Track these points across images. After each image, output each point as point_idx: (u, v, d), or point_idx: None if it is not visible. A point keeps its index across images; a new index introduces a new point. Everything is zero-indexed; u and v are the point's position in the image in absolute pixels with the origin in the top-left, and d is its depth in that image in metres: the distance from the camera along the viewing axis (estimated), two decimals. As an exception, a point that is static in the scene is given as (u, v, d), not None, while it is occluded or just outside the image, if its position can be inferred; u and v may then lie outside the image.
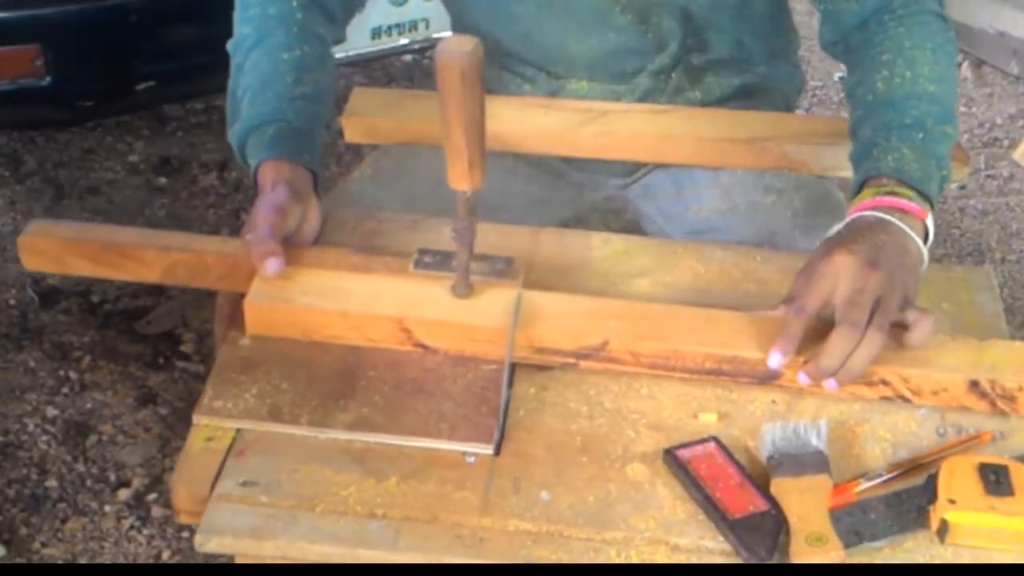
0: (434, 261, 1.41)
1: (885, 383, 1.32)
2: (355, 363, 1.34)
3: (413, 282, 1.39)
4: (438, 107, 1.24)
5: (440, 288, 1.38)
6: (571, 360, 1.34)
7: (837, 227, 1.41)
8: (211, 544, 1.14)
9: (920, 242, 1.38)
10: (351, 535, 1.14)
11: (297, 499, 1.17)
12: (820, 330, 1.30)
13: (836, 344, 1.28)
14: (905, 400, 1.33)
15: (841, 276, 1.31)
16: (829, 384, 1.30)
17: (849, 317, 1.28)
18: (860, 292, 1.29)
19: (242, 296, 1.38)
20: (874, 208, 1.39)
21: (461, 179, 1.29)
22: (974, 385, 1.31)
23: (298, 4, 1.65)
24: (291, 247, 1.42)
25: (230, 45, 1.66)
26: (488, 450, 1.24)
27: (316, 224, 1.49)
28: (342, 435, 1.25)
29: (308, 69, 1.60)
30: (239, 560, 1.19)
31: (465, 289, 1.37)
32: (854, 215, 1.41)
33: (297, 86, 1.58)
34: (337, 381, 1.31)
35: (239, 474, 1.20)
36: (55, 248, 1.45)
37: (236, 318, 1.39)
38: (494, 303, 1.37)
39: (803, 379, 1.31)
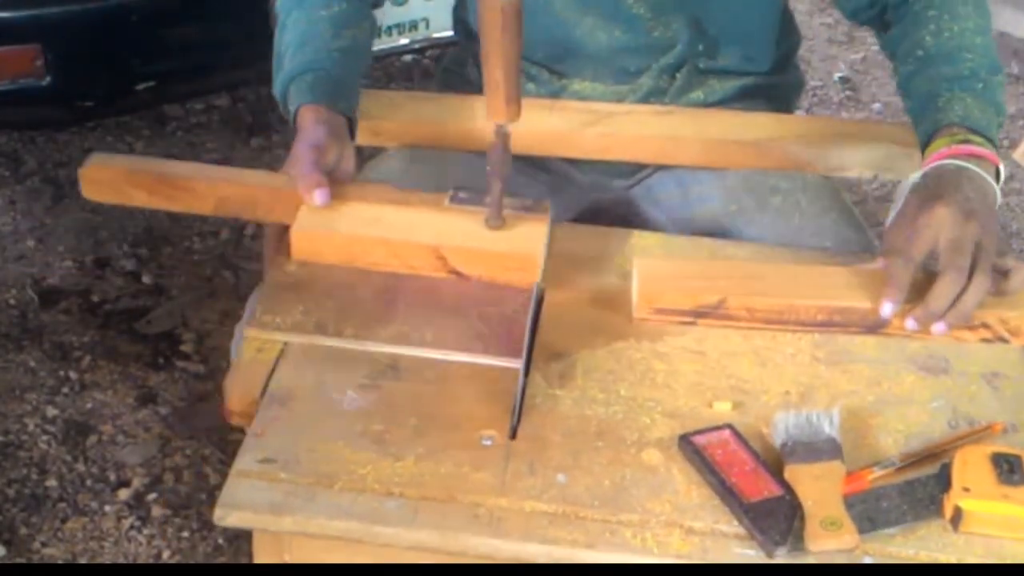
0: (468, 197, 1.51)
1: (986, 326, 1.42)
2: (394, 287, 1.43)
3: (449, 214, 1.48)
4: (482, 49, 1.33)
5: (474, 220, 1.47)
6: (688, 319, 1.41)
7: (915, 176, 1.47)
8: (231, 518, 1.14)
9: (996, 185, 1.45)
10: (369, 512, 1.15)
11: (315, 476, 1.18)
12: (920, 281, 1.38)
13: (944, 288, 1.36)
14: (1004, 341, 1.42)
15: (942, 226, 1.38)
16: (937, 328, 1.38)
17: (955, 263, 1.36)
18: (961, 239, 1.37)
19: (288, 227, 1.46)
20: (952, 157, 1.45)
21: (499, 112, 1.37)
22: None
23: None
24: (334, 182, 1.50)
25: (277, 5, 1.73)
26: (517, 365, 1.30)
27: (353, 164, 1.57)
28: (385, 348, 1.33)
29: (347, 25, 1.68)
30: (257, 536, 1.20)
31: (498, 221, 1.46)
32: (934, 163, 1.46)
33: (335, 40, 1.65)
34: (377, 302, 1.40)
35: (258, 452, 1.20)
36: (115, 177, 1.54)
37: (282, 247, 1.47)
38: (526, 234, 1.46)
39: (911, 324, 1.39)
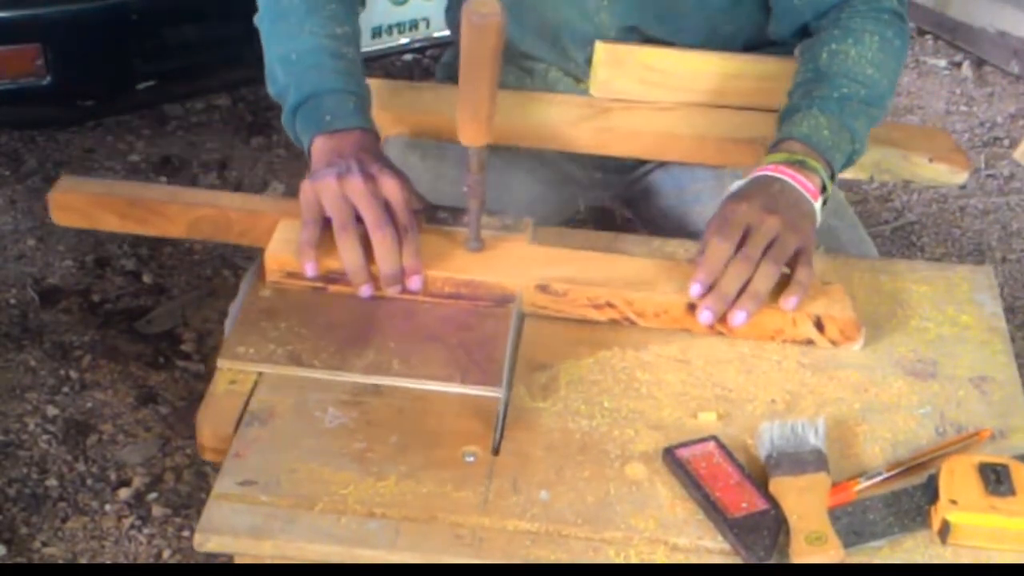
0: (447, 216, 1.48)
1: (611, 305, 1.41)
2: (370, 312, 1.39)
3: (427, 236, 1.44)
4: (460, 67, 1.30)
5: (452, 242, 1.45)
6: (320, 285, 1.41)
7: (739, 183, 1.48)
8: (210, 544, 1.14)
9: (815, 204, 1.47)
10: (350, 535, 1.14)
11: (296, 498, 1.17)
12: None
13: (731, 272, 1.37)
14: (631, 323, 1.42)
15: (743, 218, 1.40)
16: (736, 317, 1.38)
17: (743, 250, 1.38)
18: (756, 230, 1.39)
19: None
20: (776, 172, 1.47)
21: (476, 135, 1.35)
22: (691, 308, 1.40)
23: None
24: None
25: (264, 15, 1.63)
26: (497, 393, 1.28)
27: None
28: (358, 378, 1.30)
29: (355, 44, 1.63)
30: (238, 560, 1.19)
31: (477, 244, 1.44)
32: (756, 174, 1.48)
33: (358, 57, 1.61)
34: (353, 329, 1.37)
35: (238, 474, 1.20)
36: (84, 203, 1.50)
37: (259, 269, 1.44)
38: (504, 257, 1.44)
39: (706, 316, 1.38)
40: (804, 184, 1.45)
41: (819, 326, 1.40)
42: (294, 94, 1.53)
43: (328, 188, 1.39)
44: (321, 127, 1.49)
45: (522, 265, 1.43)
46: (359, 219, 1.39)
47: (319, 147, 1.48)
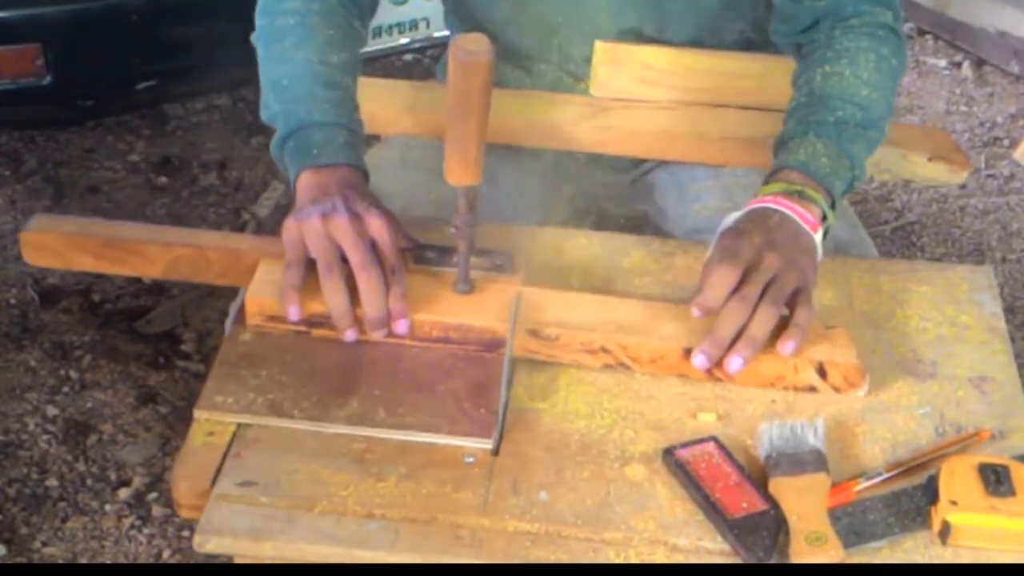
0: (434, 256, 1.42)
1: (605, 351, 1.35)
2: (355, 357, 1.34)
3: (414, 277, 1.38)
4: (448, 105, 1.25)
5: (441, 284, 1.39)
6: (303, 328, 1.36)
7: (736, 215, 1.43)
8: (210, 545, 1.13)
9: (815, 237, 1.41)
10: (350, 536, 1.14)
11: (296, 499, 1.17)
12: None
13: (727, 316, 1.31)
14: (626, 368, 1.36)
15: (741, 257, 1.34)
16: (733, 364, 1.32)
17: (740, 292, 1.32)
18: (754, 269, 1.33)
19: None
20: (775, 204, 1.42)
21: (465, 175, 1.30)
22: (687, 353, 1.34)
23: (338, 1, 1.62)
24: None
25: (260, 36, 1.60)
26: (487, 445, 1.24)
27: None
28: (341, 429, 1.25)
29: (352, 73, 1.58)
30: (238, 560, 1.19)
31: (466, 285, 1.38)
32: (753, 206, 1.43)
33: (353, 87, 1.56)
34: (337, 376, 1.31)
35: (238, 475, 1.20)
36: (57, 243, 1.45)
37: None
38: (494, 300, 1.38)
39: (700, 361, 1.33)
40: (803, 216, 1.40)
41: (821, 373, 1.34)
42: (283, 124, 1.49)
43: (312, 227, 1.34)
44: (308, 161, 1.44)
45: (513, 308, 1.37)
46: (344, 259, 1.34)
47: (304, 182, 1.44)
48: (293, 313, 1.34)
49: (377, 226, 1.35)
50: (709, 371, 1.34)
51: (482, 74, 1.22)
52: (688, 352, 1.34)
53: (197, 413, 1.27)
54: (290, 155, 1.48)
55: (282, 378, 1.31)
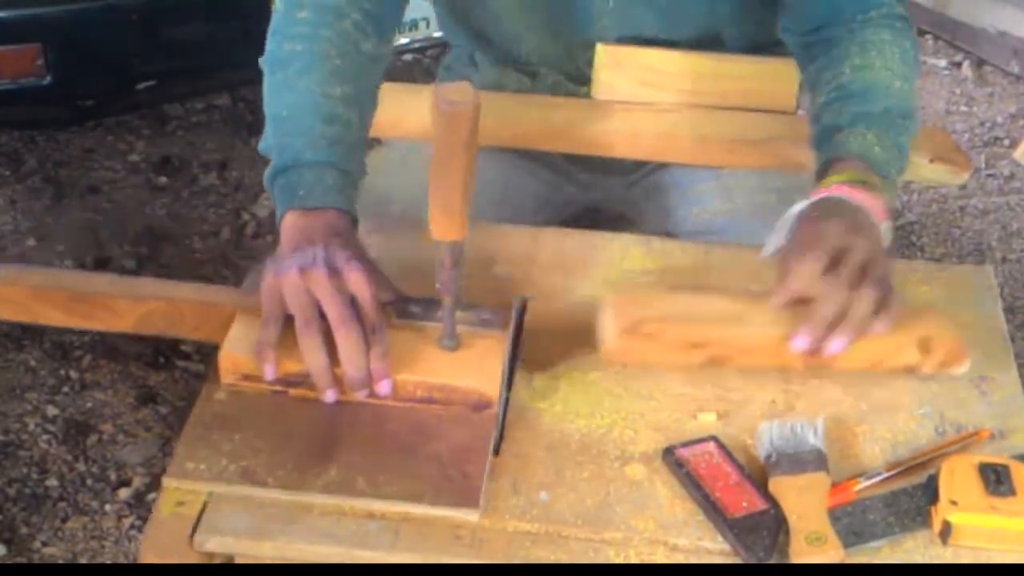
0: (419, 311, 1.33)
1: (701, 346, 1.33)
2: (334, 420, 1.26)
3: (397, 333, 1.30)
4: (432, 156, 1.18)
5: (425, 340, 1.31)
6: None
7: (801, 205, 1.40)
8: (210, 544, 1.13)
9: (881, 227, 1.38)
10: (350, 536, 1.14)
11: (296, 499, 1.17)
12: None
13: (826, 297, 1.28)
14: (718, 364, 1.34)
15: (829, 238, 1.31)
16: (835, 345, 1.28)
17: (836, 272, 1.28)
18: (846, 252, 1.30)
19: None
20: (842, 194, 1.39)
21: (450, 229, 1.22)
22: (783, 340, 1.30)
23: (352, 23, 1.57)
24: None
25: (267, 60, 1.53)
26: (473, 516, 1.17)
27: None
28: (318, 498, 1.18)
29: (356, 105, 1.52)
30: (238, 560, 1.19)
31: (452, 341, 1.30)
32: (822, 194, 1.40)
33: (356, 121, 1.50)
34: (315, 440, 1.24)
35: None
36: (23, 296, 1.36)
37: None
38: (482, 357, 1.30)
39: (801, 343, 1.29)
40: (873, 205, 1.38)
41: (925, 350, 1.33)
42: (277, 157, 1.42)
43: (291, 282, 1.25)
44: (294, 202, 1.37)
45: (501, 366, 1.28)
46: (324, 316, 1.26)
47: (289, 224, 1.36)
48: (269, 372, 1.26)
49: (356, 280, 1.26)
50: (807, 356, 1.30)
51: (466, 125, 1.15)
52: (784, 340, 1.30)
53: (166, 481, 1.20)
54: (279, 192, 1.40)
55: (256, 442, 1.23)
